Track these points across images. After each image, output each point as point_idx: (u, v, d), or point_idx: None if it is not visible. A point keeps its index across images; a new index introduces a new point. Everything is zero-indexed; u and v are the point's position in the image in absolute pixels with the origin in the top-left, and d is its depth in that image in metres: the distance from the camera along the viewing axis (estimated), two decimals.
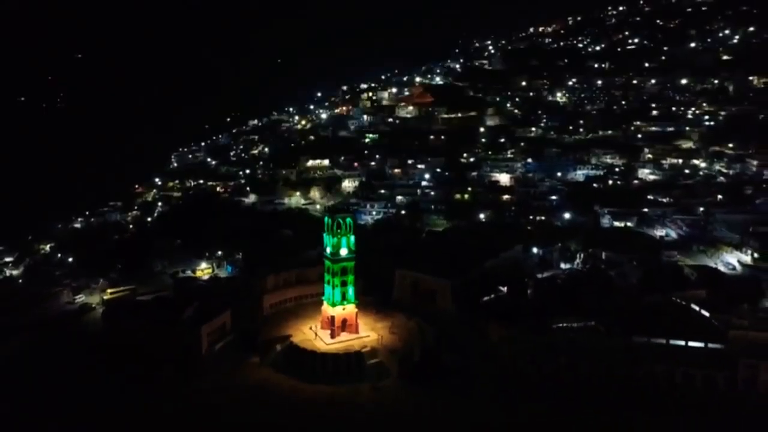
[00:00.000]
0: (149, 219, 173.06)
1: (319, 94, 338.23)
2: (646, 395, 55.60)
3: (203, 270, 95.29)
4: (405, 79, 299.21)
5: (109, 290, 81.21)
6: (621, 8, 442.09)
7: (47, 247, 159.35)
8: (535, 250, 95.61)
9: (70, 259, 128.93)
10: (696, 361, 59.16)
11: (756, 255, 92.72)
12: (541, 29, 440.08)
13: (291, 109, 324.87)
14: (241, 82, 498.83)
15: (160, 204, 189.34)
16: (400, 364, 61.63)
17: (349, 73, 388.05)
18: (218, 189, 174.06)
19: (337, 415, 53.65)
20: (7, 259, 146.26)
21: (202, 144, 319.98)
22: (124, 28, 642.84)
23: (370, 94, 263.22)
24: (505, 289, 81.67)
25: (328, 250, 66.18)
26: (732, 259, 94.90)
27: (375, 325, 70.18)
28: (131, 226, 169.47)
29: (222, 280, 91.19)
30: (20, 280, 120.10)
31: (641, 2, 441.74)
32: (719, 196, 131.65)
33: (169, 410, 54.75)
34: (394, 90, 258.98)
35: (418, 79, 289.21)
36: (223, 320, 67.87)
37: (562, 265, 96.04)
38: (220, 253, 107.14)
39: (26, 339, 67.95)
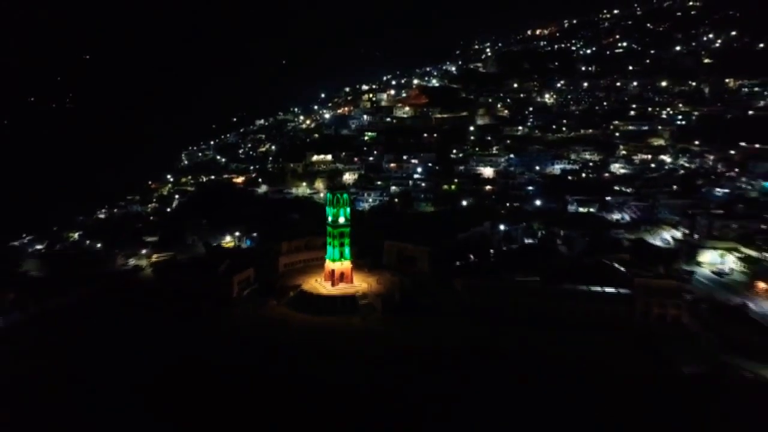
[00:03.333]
0: (168, 209, 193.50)
1: (323, 95, 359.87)
2: (564, 322, 75.64)
3: (227, 243, 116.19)
4: (404, 81, 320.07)
5: (154, 255, 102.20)
6: (616, 11, 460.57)
7: (75, 235, 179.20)
8: (502, 227, 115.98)
9: (99, 245, 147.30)
10: (606, 300, 79.62)
11: (686, 231, 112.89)
12: (538, 32, 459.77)
13: (296, 110, 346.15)
14: (247, 83, 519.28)
15: (177, 196, 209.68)
16: (384, 304, 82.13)
17: (353, 74, 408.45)
18: (234, 180, 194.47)
19: (335, 336, 74.02)
20: (38, 247, 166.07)
21: (211, 143, 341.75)
22: (131, 30, 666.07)
23: (371, 95, 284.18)
24: (473, 257, 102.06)
25: (330, 219, 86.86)
26: (667, 236, 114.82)
27: (367, 279, 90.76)
28: (151, 217, 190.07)
29: (244, 249, 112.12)
30: None
31: (635, 5, 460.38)
32: (675, 187, 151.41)
33: (208, 334, 74.86)
34: (393, 92, 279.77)
35: (415, 81, 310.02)
36: (248, 274, 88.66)
37: (526, 240, 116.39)
38: (237, 233, 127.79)
39: (95, 288, 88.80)
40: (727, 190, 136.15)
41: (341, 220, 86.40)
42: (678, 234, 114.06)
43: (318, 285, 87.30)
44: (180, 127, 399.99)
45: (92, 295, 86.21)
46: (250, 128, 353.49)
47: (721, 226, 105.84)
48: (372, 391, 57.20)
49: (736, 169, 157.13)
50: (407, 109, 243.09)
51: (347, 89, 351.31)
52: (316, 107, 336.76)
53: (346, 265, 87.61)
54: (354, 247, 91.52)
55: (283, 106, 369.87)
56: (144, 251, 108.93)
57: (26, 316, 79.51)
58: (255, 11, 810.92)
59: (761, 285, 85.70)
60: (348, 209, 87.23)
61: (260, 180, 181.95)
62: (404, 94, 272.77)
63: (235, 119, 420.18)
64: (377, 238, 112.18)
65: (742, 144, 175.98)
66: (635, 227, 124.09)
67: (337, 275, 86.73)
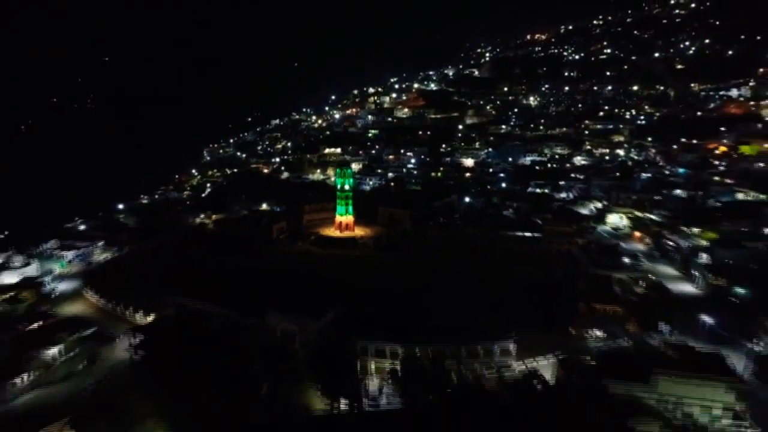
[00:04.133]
0: (202, 195, 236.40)
1: (333, 97, 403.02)
2: (496, 254, 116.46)
3: (263, 208, 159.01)
4: (405, 85, 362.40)
5: (213, 215, 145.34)
6: (609, 18, 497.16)
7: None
8: (467, 199, 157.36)
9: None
10: (525, 240, 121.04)
11: (605, 202, 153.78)
12: (537, 36, 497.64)
13: (309, 110, 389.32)
14: (261, 85, 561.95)
15: (208, 185, 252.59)
16: (375, 244, 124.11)
17: (362, 76, 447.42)
18: (261, 168, 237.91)
19: (342, 261, 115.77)
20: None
21: (231, 140, 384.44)
22: (148, 34, 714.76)
23: (376, 98, 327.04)
24: (442, 218, 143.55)
25: (338, 186, 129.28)
26: (592, 206, 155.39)
27: (364, 229, 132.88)
28: (188, 201, 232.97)
29: (277, 212, 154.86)
30: None
31: (629, 11, 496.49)
32: (617, 173, 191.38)
33: (256, 262, 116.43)
34: (395, 95, 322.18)
35: (416, 86, 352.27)
36: (282, 225, 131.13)
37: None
38: (265, 206, 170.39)
39: (177, 234, 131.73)
40: (650, 175, 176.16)
41: (346, 186, 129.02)
42: (599, 204, 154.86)
43: (330, 232, 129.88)
44: (197, 126, 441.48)
45: (175, 238, 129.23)
46: (267, 127, 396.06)
47: (625, 197, 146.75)
48: (364, 287, 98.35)
49: (668, 160, 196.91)
50: (406, 110, 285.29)
51: (355, 92, 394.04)
52: (327, 108, 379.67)
53: (349, 218, 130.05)
54: (356, 212, 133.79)
55: (297, 108, 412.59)
56: (203, 214, 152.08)
57: (134, 249, 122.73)
58: (268, 17, 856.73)
59: (636, 234, 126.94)
60: (351, 179, 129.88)
61: (283, 168, 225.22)
62: (404, 97, 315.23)
63: (250, 119, 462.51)
64: (375, 206, 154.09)
65: (683, 140, 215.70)
66: (575, 202, 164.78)
67: (343, 225, 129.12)
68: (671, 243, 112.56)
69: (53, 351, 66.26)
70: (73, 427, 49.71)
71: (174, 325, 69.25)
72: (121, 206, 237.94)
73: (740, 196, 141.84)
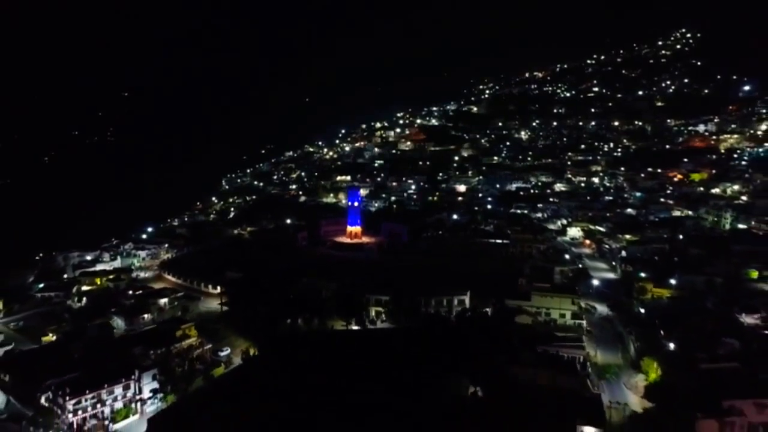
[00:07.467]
0: (228, 217, 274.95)
1: (343, 131, 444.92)
2: (473, 255, 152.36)
3: (288, 223, 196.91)
4: (408, 120, 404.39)
5: (248, 228, 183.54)
6: (602, 57, 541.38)
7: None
8: (455, 216, 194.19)
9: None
10: (495, 245, 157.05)
11: (569, 218, 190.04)
12: (534, 74, 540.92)
13: (320, 143, 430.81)
14: (273, 119, 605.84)
15: (232, 209, 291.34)
16: (378, 248, 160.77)
17: (370, 111, 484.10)
18: (281, 193, 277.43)
19: (354, 261, 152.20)
20: (126, 247, 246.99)
21: (248, 171, 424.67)
22: (165, 70, 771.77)
23: (381, 132, 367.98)
24: (433, 230, 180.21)
25: (350, 203, 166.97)
26: (559, 223, 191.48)
27: (370, 238, 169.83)
28: (220, 222, 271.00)
29: (298, 224, 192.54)
30: None
31: (621, 51, 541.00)
32: (588, 197, 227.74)
33: (280, 262, 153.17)
34: (398, 129, 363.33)
35: (418, 121, 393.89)
36: (305, 234, 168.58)
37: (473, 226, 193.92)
38: (289, 221, 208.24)
39: (219, 241, 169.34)
40: (611, 198, 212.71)
41: (355, 203, 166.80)
42: (565, 221, 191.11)
43: (343, 239, 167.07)
44: (212, 157, 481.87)
45: (221, 243, 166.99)
46: (281, 158, 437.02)
47: (583, 215, 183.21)
48: (370, 278, 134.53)
49: (632, 186, 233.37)
50: (408, 143, 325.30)
51: (363, 126, 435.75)
52: (337, 141, 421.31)
53: (358, 229, 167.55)
54: (364, 227, 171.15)
55: (309, 140, 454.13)
56: (239, 228, 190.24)
57: (192, 250, 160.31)
58: (280, 57, 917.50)
59: (586, 241, 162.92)
60: (360, 198, 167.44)
61: (300, 192, 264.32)
62: (407, 132, 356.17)
63: (263, 151, 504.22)
64: (379, 222, 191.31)
65: (649, 169, 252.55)
66: (548, 220, 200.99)
67: (353, 234, 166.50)
68: (607, 246, 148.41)
69: (164, 300, 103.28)
70: (195, 328, 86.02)
71: (242, 285, 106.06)
72: (176, 222, 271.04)
73: (677, 213, 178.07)
